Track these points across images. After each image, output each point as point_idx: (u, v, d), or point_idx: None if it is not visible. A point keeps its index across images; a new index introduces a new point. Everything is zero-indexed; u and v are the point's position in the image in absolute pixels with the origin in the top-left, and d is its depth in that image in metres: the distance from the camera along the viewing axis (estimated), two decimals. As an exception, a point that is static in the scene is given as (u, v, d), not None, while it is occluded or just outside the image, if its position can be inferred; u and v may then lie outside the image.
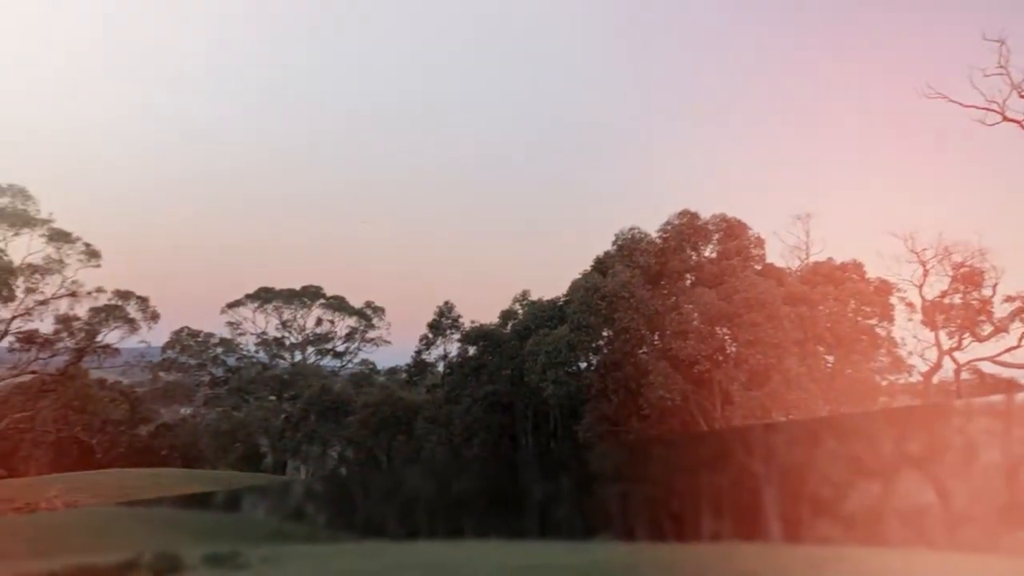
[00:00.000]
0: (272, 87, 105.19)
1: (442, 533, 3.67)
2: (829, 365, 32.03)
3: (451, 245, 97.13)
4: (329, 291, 64.13)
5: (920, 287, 35.19)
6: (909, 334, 35.30)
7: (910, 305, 35.37)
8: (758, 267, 33.05)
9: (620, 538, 3.63)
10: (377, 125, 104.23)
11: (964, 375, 35.98)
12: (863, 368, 31.63)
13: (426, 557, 3.52)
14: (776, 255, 37.78)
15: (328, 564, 3.52)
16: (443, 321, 48.69)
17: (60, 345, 39.95)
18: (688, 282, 33.03)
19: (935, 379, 35.64)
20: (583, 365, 35.69)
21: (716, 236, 33.58)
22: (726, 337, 29.03)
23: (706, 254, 33.62)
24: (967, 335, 35.02)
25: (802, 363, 28.10)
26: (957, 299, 34.90)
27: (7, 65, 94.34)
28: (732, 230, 33.16)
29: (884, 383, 34.48)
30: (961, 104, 29.03)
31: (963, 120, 30.97)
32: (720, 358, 28.81)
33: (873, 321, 33.76)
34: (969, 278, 34.61)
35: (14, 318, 36.99)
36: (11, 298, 35.93)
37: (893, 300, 34.71)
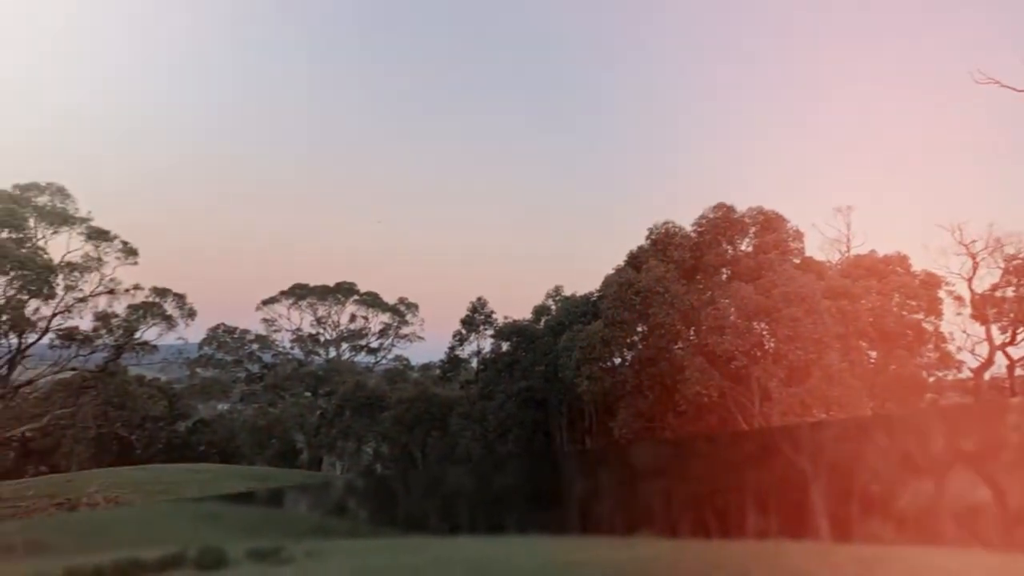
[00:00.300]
0: (309, 88, 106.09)
1: (483, 528, 3.64)
2: (872, 361, 31.32)
3: (484, 241, 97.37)
4: (363, 287, 64.62)
5: (969, 280, 34.22)
6: (958, 329, 34.34)
7: (959, 299, 34.35)
8: (797, 261, 32.41)
9: (663, 535, 3.59)
10: (410, 123, 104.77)
11: (1019, 371, 35.03)
12: (908, 364, 30.88)
13: (468, 552, 3.51)
14: (815, 248, 37.22)
15: (371, 559, 3.53)
16: (476, 317, 48.83)
17: (99, 342, 40.59)
18: (724, 276, 32.63)
19: (986, 375, 34.73)
20: (617, 361, 35.50)
21: (753, 229, 32.97)
22: (764, 332, 28.54)
23: (742, 248, 33.09)
24: (1021, 329, 34.09)
25: (844, 358, 27.50)
26: (1010, 292, 33.90)
27: (45, 67, 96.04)
28: (769, 223, 32.59)
29: (931, 379, 33.66)
30: (1014, 89, 28.04)
31: (1017, 106, 30.07)
32: (758, 354, 28.33)
33: (919, 315, 32.80)
34: (1023, 270, 33.68)
35: (54, 315, 37.64)
36: (51, 295, 36.53)
37: (941, 294, 33.74)
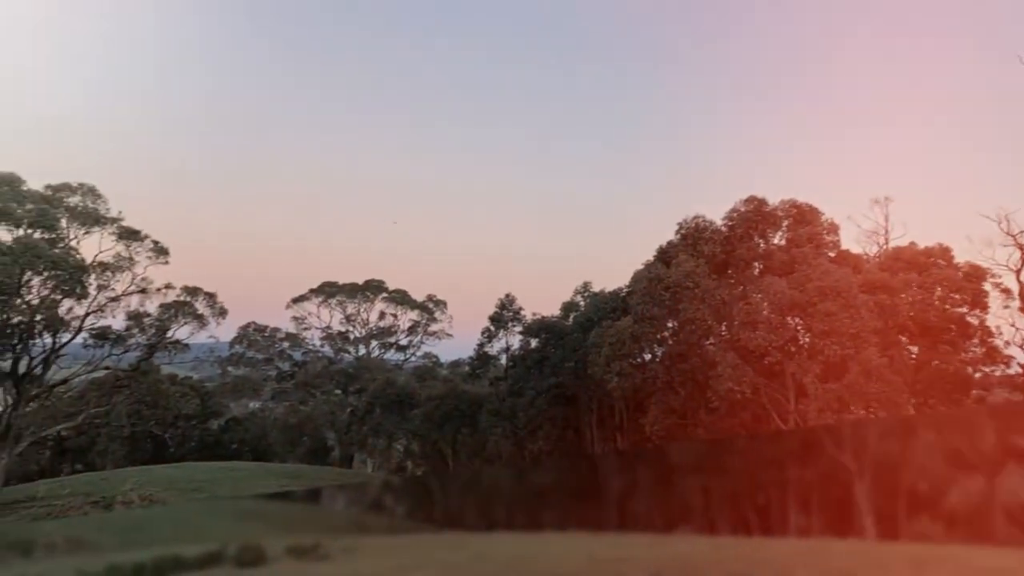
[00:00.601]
0: (342, 89, 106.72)
1: (520, 525, 3.61)
2: (913, 356, 30.66)
3: (512, 239, 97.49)
4: (391, 285, 64.81)
5: (1018, 272, 32.92)
6: (1005, 322, 33.15)
7: (1006, 291, 33.10)
8: (832, 254, 31.89)
9: (702, 531, 3.55)
10: (438, 126, 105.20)
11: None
12: (952, 359, 30.13)
13: (507, 549, 3.48)
14: (852, 241, 36.54)
15: (409, 555, 3.50)
16: (505, 314, 48.85)
17: (132, 341, 40.97)
18: (756, 271, 32.26)
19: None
20: (647, 357, 35.33)
21: (786, 223, 32.46)
22: (798, 327, 28.17)
23: (775, 241, 32.67)
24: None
25: (883, 354, 26.91)
26: (1062, 284, 32.87)
27: (78, 68, 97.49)
28: (803, 216, 32.09)
29: (978, 375, 32.79)
30: (1062, 73, 27.01)
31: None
32: (792, 349, 27.96)
33: (963, 309, 31.91)
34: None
35: (88, 315, 38.04)
36: (84, 295, 36.91)
37: (986, 286, 32.64)
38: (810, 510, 3.58)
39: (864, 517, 3.44)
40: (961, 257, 33.23)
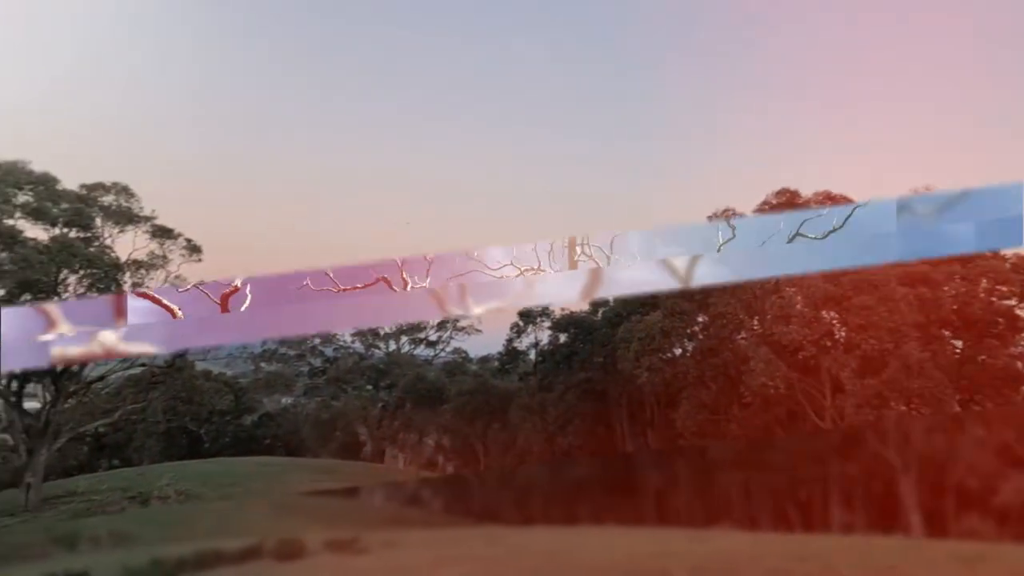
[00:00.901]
0: (364, 89, 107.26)
1: (557, 520, 3.58)
2: (958, 351, 29.95)
3: (538, 232, 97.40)
4: (420, 280, 65.02)
5: None
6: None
7: (1059, 282, 32.52)
8: (868, 245, 31.40)
9: (743, 528, 3.50)
10: (459, 112, 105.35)
11: None
12: (1000, 354, 29.37)
13: (545, 543, 3.44)
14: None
15: (447, 549, 3.47)
16: (533, 309, 48.83)
17: (167, 338, 41.39)
18: (788, 264, 31.92)
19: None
20: (678, 352, 35.17)
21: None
22: (834, 321, 27.79)
23: (808, 234, 32.30)
24: None
25: (924, 348, 26.38)
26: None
27: (106, 67, 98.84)
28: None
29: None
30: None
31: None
32: (828, 344, 27.53)
33: (1011, 301, 30.91)
34: None
35: (123, 312, 38.47)
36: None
37: None
38: (854, 506, 3.51)
39: (910, 513, 3.36)
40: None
